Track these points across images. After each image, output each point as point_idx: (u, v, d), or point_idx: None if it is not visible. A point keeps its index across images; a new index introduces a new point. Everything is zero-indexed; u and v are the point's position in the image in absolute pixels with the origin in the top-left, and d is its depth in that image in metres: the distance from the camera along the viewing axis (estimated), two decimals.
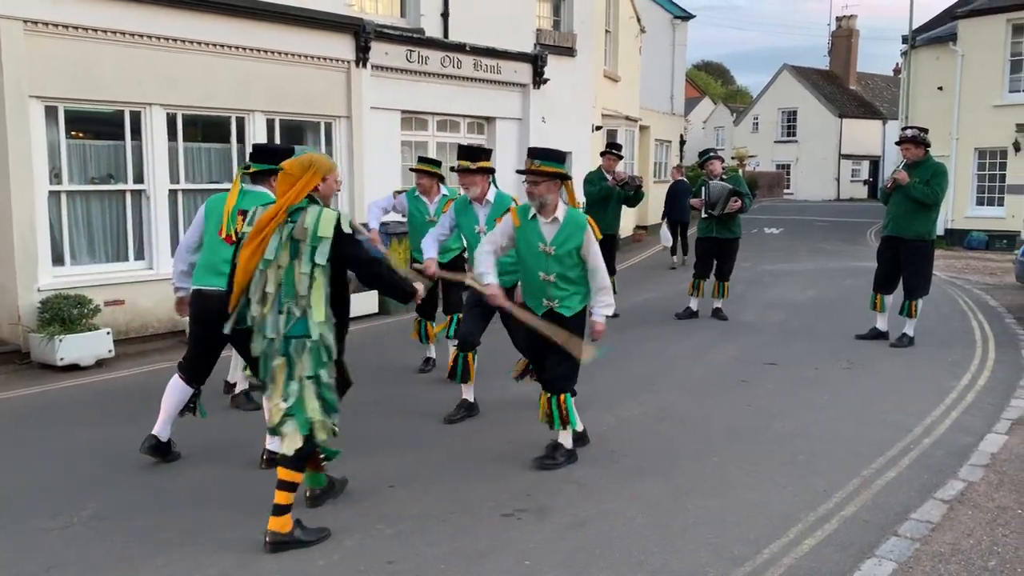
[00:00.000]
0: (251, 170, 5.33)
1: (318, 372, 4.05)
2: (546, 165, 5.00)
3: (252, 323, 4.09)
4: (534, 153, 5.15)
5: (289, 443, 4.03)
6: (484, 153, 6.43)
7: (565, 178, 5.09)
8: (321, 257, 3.99)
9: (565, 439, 5.29)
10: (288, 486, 4.06)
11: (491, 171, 6.40)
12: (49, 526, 4.35)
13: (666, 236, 16.97)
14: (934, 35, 23.27)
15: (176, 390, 5.26)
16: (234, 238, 4.97)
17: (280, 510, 4.05)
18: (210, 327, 4.82)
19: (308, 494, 4.54)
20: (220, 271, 4.86)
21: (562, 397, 5.16)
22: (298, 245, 3.99)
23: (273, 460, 4.64)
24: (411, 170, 7.70)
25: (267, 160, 5.24)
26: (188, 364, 5.27)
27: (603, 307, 5.11)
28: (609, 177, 10.18)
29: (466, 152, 6.37)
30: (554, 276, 5.08)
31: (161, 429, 5.25)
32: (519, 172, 5.28)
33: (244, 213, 4.70)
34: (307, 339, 3.99)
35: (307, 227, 3.99)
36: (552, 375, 5.19)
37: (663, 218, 17.36)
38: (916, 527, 4.38)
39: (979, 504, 4.70)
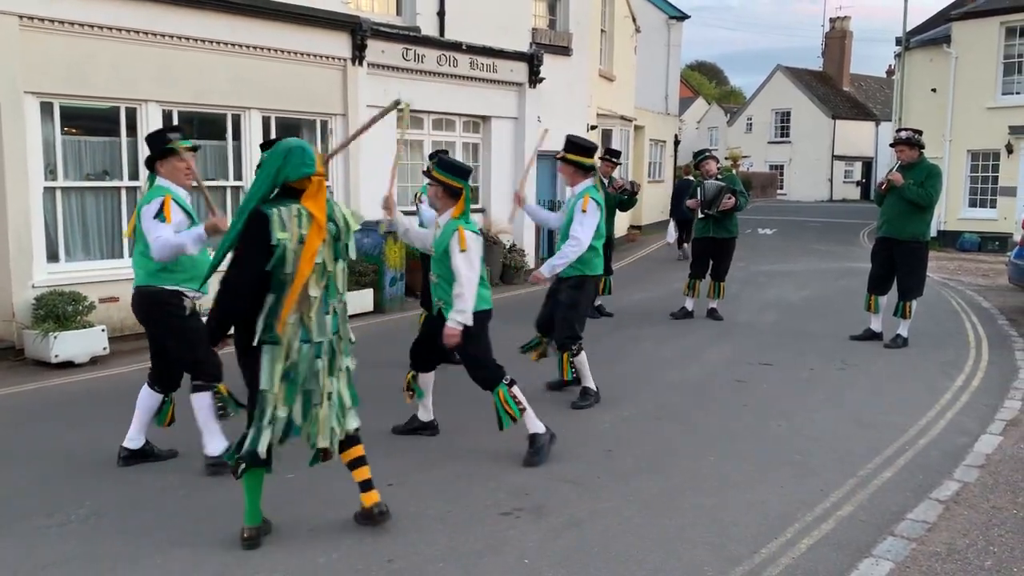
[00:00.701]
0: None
1: (347, 364, 4.15)
2: (440, 174, 5.31)
3: (277, 333, 3.84)
4: (440, 163, 5.45)
5: (332, 436, 4.08)
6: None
7: (457, 193, 5.28)
8: (353, 251, 4.07)
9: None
10: (361, 461, 4.25)
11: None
12: (46, 524, 4.34)
13: (671, 233, 18.18)
14: (928, 37, 23.36)
15: (144, 397, 5.22)
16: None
17: (368, 484, 4.25)
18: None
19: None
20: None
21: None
22: (337, 244, 4.01)
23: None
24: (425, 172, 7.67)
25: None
26: (151, 369, 5.27)
27: (455, 313, 5.13)
28: (605, 182, 10.17)
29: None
30: (436, 277, 5.38)
31: (131, 438, 5.21)
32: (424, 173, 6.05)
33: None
34: (342, 338, 4.09)
35: (341, 224, 4.00)
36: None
37: (671, 216, 18.49)
38: (912, 527, 4.40)
39: (974, 504, 4.73)
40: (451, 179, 5.27)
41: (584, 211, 6.40)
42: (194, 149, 5.29)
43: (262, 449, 3.92)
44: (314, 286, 3.87)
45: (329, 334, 3.98)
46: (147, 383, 5.25)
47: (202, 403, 5.05)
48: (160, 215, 4.82)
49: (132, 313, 5.33)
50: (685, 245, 17.20)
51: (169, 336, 5.07)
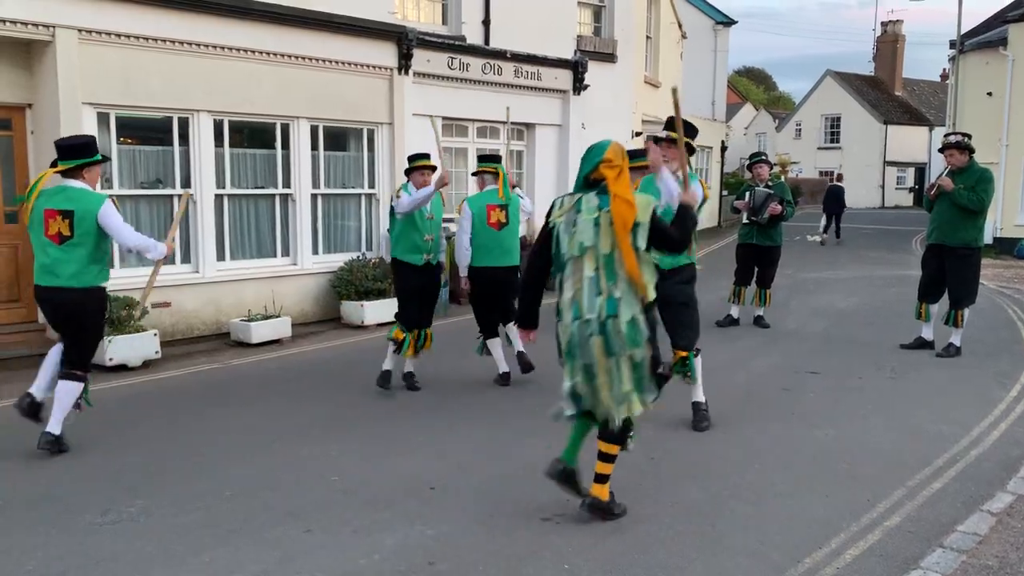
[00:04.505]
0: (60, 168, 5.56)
1: (633, 350, 4.20)
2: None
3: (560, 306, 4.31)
4: None
5: (618, 417, 4.28)
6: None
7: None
8: (643, 240, 4.18)
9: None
10: (608, 458, 4.38)
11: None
12: (99, 521, 4.47)
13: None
14: (983, 39, 22.81)
15: (53, 353, 5.70)
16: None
17: (602, 479, 4.40)
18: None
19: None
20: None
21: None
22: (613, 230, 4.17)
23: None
24: (474, 174, 8.01)
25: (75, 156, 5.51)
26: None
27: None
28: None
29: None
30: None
31: (38, 388, 5.64)
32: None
33: (56, 213, 5.33)
34: (619, 319, 4.15)
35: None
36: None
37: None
38: (963, 539, 4.30)
39: None
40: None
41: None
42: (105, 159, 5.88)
43: (568, 413, 4.39)
44: (588, 266, 4.20)
45: (603, 315, 4.15)
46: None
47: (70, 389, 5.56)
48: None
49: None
50: None
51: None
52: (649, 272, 4.24)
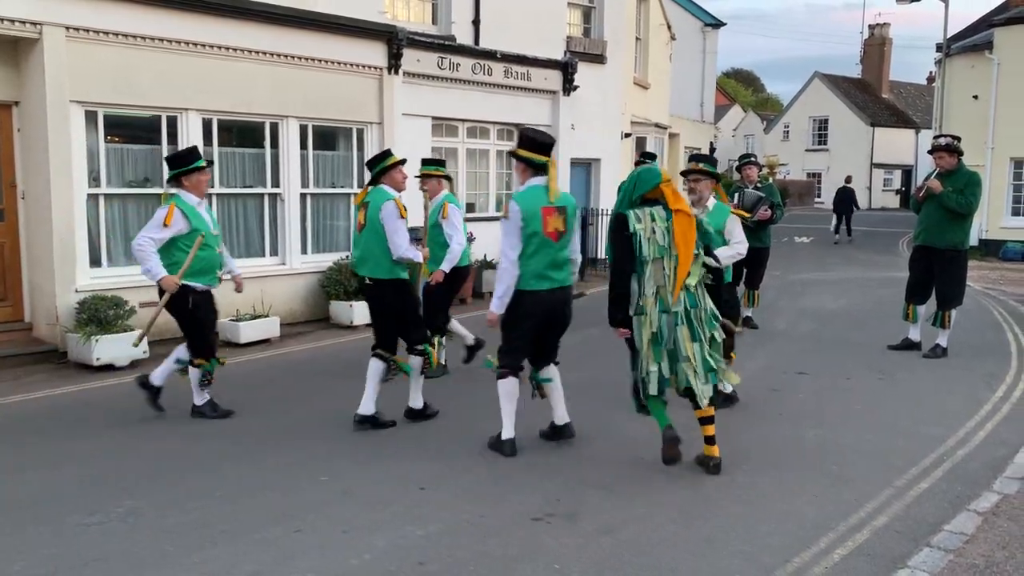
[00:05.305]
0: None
1: (713, 333, 5.09)
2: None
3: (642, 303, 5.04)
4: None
5: (705, 393, 5.06)
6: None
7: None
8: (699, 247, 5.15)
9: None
10: (710, 420, 5.19)
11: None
12: (87, 522, 4.44)
13: None
14: (969, 43, 22.98)
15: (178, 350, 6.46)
16: None
17: (711, 440, 5.23)
18: None
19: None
20: None
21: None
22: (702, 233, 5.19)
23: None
24: (417, 177, 7.66)
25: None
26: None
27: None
28: None
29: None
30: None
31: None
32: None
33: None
34: (701, 309, 5.06)
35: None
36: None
37: None
38: (949, 539, 4.33)
39: (1014, 517, 4.64)
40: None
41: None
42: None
43: (652, 391, 5.10)
44: (668, 266, 4.99)
45: (687, 307, 5.01)
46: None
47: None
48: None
49: (171, 317, 5.83)
50: None
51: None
52: (698, 267, 5.11)
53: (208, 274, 6.28)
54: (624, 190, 5.28)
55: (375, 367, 6.08)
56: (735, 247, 6.58)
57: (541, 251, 5.33)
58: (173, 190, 6.34)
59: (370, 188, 6.20)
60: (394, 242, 5.93)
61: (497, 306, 5.42)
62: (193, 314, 6.26)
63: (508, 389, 5.51)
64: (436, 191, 7.53)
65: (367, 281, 6.13)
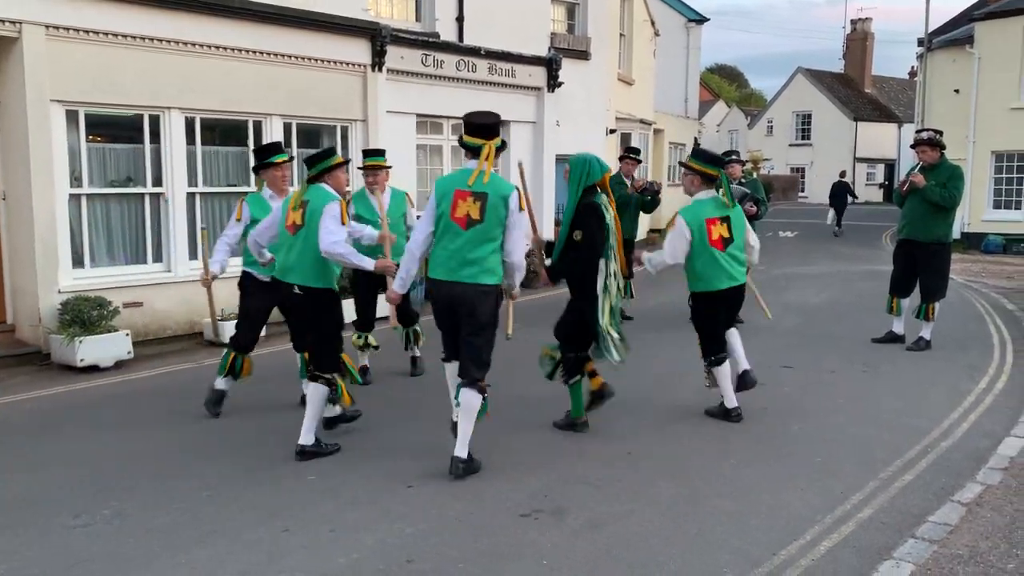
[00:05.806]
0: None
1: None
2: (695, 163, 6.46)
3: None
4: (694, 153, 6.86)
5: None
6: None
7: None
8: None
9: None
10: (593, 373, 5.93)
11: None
12: (71, 524, 4.41)
13: None
14: (950, 38, 23.17)
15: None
16: None
17: (595, 372, 5.97)
18: None
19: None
20: None
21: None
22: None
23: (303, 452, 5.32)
24: (361, 167, 7.39)
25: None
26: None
27: None
28: (628, 182, 10.16)
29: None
30: None
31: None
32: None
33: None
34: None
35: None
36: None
37: None
38: (934, 529, 4.37)
39: (997, 507, 4.69)
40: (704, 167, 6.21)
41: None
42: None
43: (617, 357, 5.60)
44: (619, 252, 5.64)
45: (618, 286, 5.66)
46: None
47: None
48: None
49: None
50: None
51: None
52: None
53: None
54: (578, 174, 5.64)
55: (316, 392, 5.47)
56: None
57: (446, 236, 4.95)
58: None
59: (308, 186, 5.55)
60: (326, 227, 5.21)
61: (399, 285, 5.22)
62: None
63: (450, 372, 5.45)
64: (384, 183, 7.24)
65: (295, 290, 5.42)
